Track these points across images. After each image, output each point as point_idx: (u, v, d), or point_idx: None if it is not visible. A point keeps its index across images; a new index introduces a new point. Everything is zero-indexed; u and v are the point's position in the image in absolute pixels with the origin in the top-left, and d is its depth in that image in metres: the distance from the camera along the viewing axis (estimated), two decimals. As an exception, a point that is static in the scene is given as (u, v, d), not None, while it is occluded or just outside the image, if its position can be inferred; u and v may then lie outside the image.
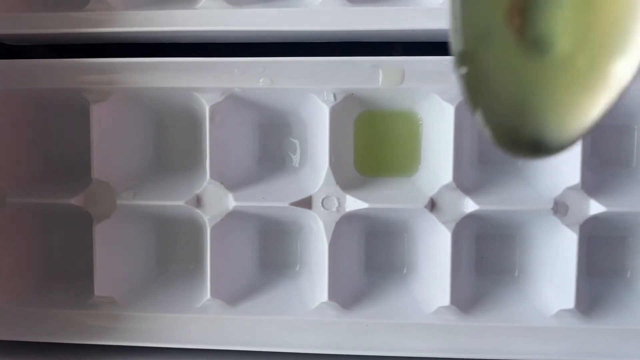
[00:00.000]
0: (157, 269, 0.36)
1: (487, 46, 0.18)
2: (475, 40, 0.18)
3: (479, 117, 0.18)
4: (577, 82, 0.18)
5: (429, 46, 0.32)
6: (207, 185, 0.32)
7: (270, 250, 0.36)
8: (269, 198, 0.32)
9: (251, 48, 0.34)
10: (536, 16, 0.18)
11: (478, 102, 0.18)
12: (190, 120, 0.34)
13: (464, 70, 0.18)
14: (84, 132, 0.32)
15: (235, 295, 0.33)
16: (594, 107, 0.17)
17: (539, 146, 0.18)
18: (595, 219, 0.31)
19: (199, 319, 0.32)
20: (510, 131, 0.18)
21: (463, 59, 0.18)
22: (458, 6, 0.17)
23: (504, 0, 0.18)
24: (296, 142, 0.35)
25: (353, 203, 0.31)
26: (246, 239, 0.35)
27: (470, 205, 0.31)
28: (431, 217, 0.31)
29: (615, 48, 0.17)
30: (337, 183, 0.32)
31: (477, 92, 0.18)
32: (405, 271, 0.35)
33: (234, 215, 0.32)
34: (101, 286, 0.32)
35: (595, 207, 0.31)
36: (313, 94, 0.31)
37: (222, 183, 0.32)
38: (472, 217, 0.31)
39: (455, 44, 0.18)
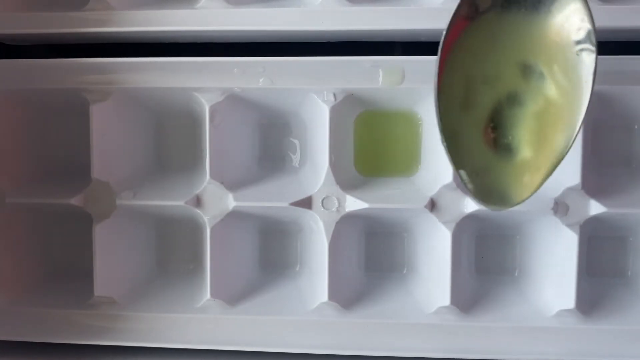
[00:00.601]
0: (157, 269, 0.36)
1: (466, 149, 0.26)
2: (457, 142, 0.26)
3: (462, 175, 0.26)
4: (533, 171, 0.26)
5: (429, 46, 0.31)
6: (207, 185, 0.32)
7: (270, 250, 0.36)
8: (269, 198, 0.32)
9: (251, 48, 0.34)
10: (504, 132, 0.26)
11: (460, 167, 0.26)
12: (190, 120, 0.34)
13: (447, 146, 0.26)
14: (84, 132, 0.32)
15: (235, 295, 0.33)
16: (543, 179, 0.26)
17: (504, 204, 0.26)
18: (596, 219, 0.31)
19: (199, 319, 0.32)
20: (484, 193, 0.26)
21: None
22: (439, 115, 0.25)
23: (480, 121, 0.26)
24: (296, 142, 0.35)
25: (353, 203, 0.31)
26: (246, 239, 0.35)
27: (470, 205, 0.31)
28: (431, 217, 0.31)
29: (560, 136, 0.26)
30: (337, 183, 0.31)
31: (461, 164, 0.26)
32: (405, 271, 0.35)
33: (234, 215, 0.32)
34: (101, 286, 0.32)
35: (595, 207, 0.31)
36: (313, 94, 0.31)
37: (222, 183, 0.32)
38: (472, 217, 0.31)
39: (441, 137, 0.25)
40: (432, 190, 0.31)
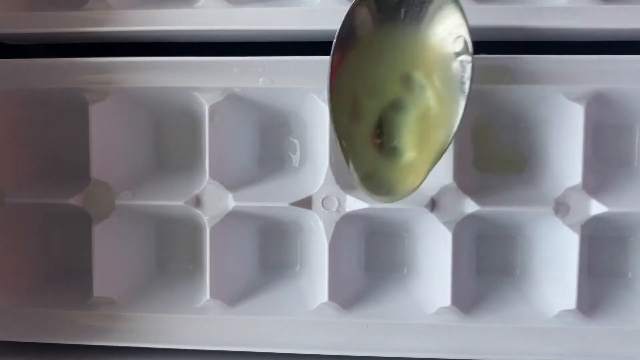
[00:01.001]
0: (156, 269, 0.36)
1: (357, 155, 0.28)
2: (351, 149, 0.28)
3: (351, 167, 0.28)
4: (417, 169, 0.28)
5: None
6: (207, 185, 0.32)
7: (270, 250, 0.35)
8: (269, 198, 0.32)
9: (251, 47, 0.34)
10: (390, 137, 0.29)
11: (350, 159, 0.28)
12: (189, 120, 0.34)
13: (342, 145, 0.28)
14: (83, 132, 0.32)
15: (235, 295, 0.33)
16: (425, 176, 0.29)
17: (390, 198, 0.29)
18: (597, 219, 0.31)
19: (199, 320, 0.32)
20: (371, 187, 0.28)
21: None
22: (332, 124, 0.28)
23: (368, 130, 0.29)
24: (296, 142, 0.35)
25: (353, 203, 0.31)
26: (246, 239, 0.34)
27: (471, 206, 0.31)
28: (432, 217, 0.31)
29: (439, 137, 0.28)
30: (337, 183, 0.31)
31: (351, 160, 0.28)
32: (405, 271, 0.35)
33: (234, 216, 0.32)
34: (100, 286, 0.32)
35: (596, 208, 0.31)
36: (313, 94, 0.31)
37: (221, 183, 0.32)
38: (473, 217, 0.31)
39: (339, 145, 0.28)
40: (432, 190, 0.31)
